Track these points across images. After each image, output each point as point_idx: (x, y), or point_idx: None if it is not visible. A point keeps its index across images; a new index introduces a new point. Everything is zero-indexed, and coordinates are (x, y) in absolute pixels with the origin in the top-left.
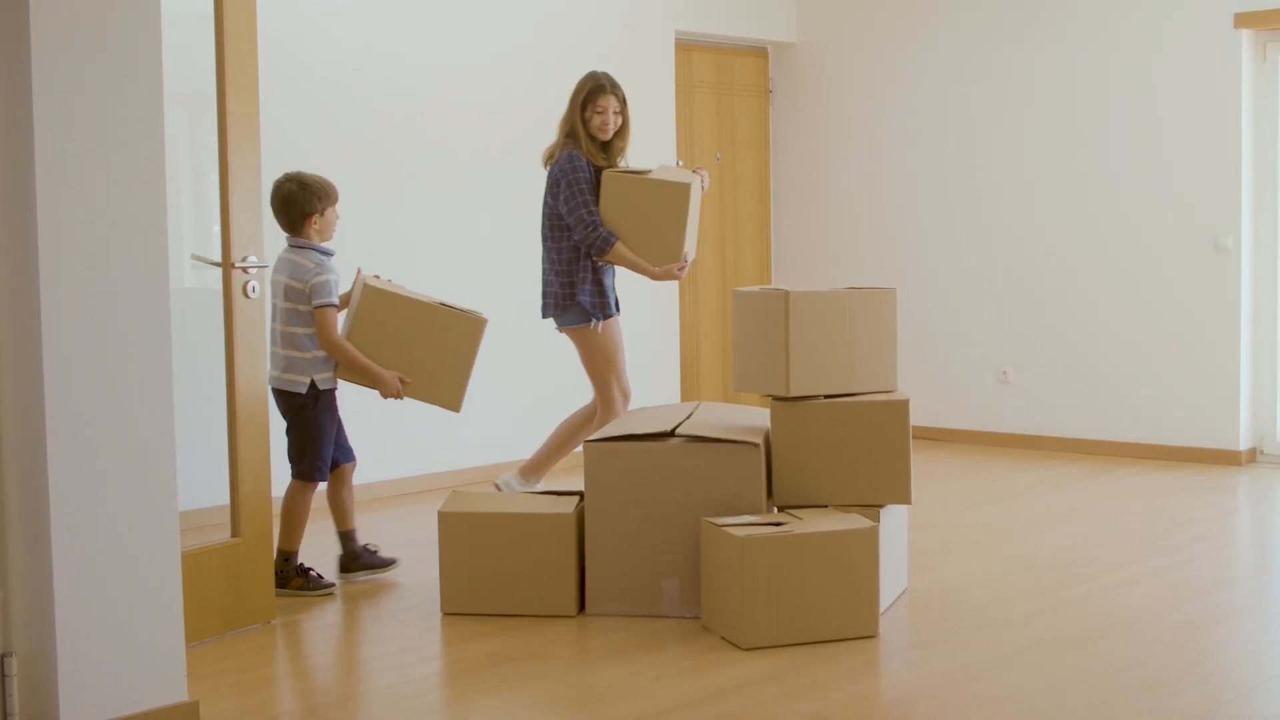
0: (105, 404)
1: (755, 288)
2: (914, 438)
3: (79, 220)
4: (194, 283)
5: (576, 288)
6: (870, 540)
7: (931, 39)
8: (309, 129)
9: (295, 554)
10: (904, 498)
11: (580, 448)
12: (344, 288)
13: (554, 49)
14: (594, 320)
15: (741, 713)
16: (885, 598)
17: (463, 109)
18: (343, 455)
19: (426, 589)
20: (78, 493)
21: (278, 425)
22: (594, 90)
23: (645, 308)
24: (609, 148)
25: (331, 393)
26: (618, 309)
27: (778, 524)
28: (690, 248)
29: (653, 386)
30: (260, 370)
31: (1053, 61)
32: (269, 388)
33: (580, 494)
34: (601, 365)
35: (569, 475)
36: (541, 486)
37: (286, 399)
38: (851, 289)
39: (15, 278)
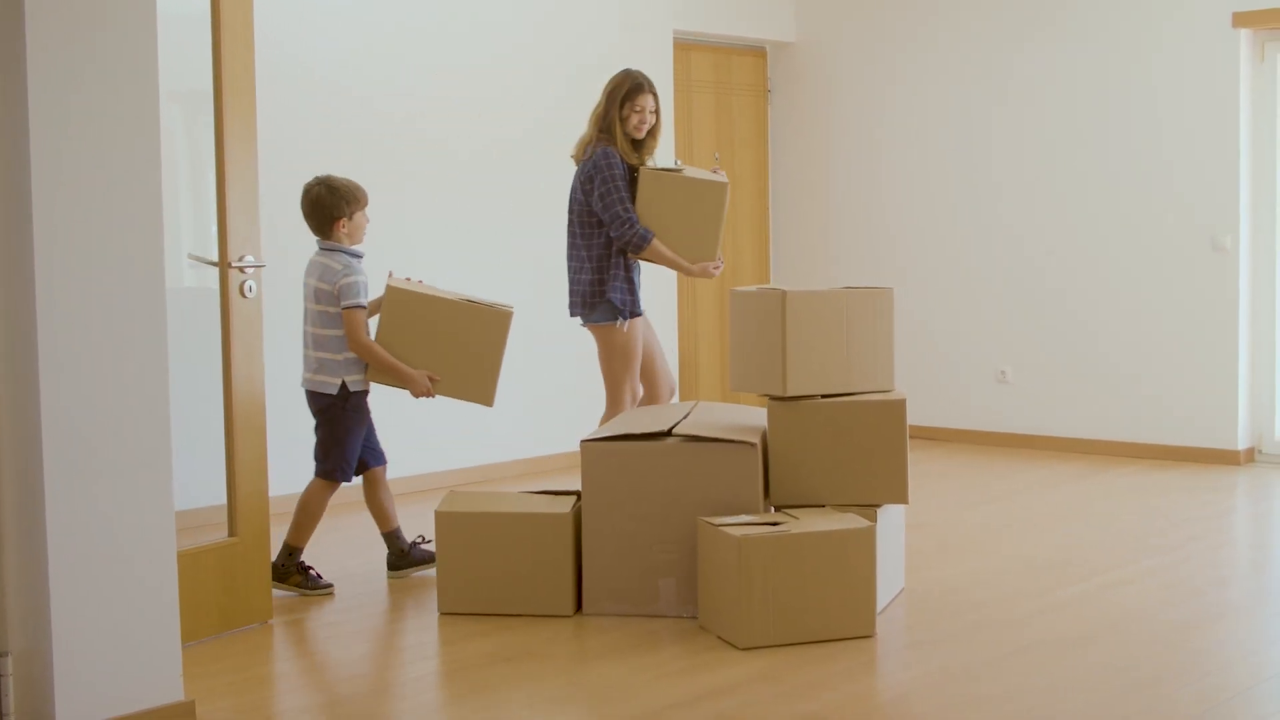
0: (101, 403)
1: (753, 287)
2: (912, 437)
3: (75, 220)
4: (193, 282)
5: (607, 284)
6: (867, 540)
7: (931, 38)
8: (308, 128)
9: (300, 550)
10: (901, 497)
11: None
12: (377, 291)
13: (553, 49)
14: (620, 319)
15: (737, 712)
16: (882, 598)
17: (462, 109)
18: (374, 458)
19: (424, 588)
20: (73, 492)
21: (276, 425)
22: (634, 89)
23: (646, 307)
24: (641, 146)
25: (362, 395)
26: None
27: (774, 524)
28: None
29: None
30: (257, 369)
31: (1052, 61)
32: (303, 389)
33: (577, 494)
34: (619, 365)
35: (567, 475)
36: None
37: (317, 400)
38: (849, 289)
39: (11, 277)
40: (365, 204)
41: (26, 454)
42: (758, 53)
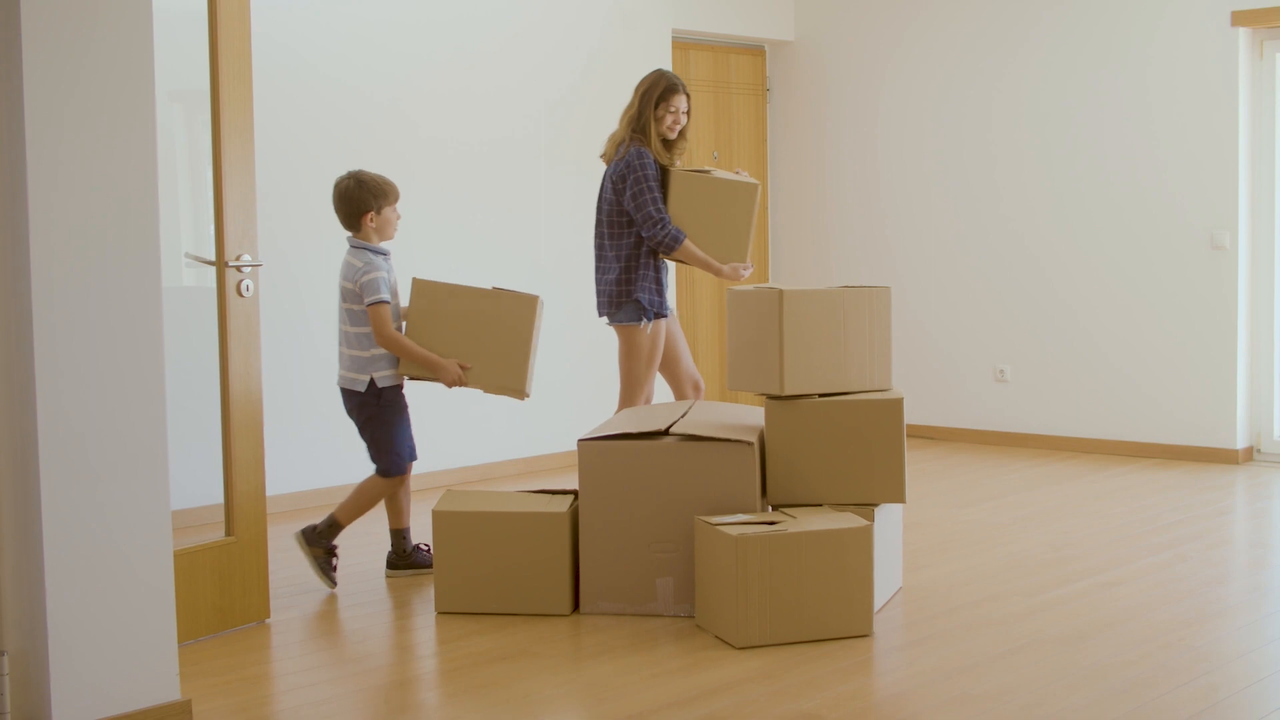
0: (97, 402)
1: (750, 286)
2: (911, 436)
3: (71, 219)
4: (192, 281)
5: (635, 284)
6: (864, 539)
7: (929, 37)
8: (307, 128)
9: (341, 529)
10: (898, 496)
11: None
12: (404, 287)
13: (551, 47)
14: (645, 319)
15: (734, 711)
16: (880, 597)
17: (461, 107)
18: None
19: (421, 588)
20: (70, 491)
21: (273, 424)
22: (668, 89)
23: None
24: (671, 147)
25: (395, 389)
26: (670, 310)
27: (771, 523)
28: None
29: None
30: (254, 369)
31: (1049, 60)
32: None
33: (574, 493)
34: (639, 365)
35: (565, 474)
36: None
37: (350, 398)
38: (846, 288)
39: (7, 276)
40: (395, 200)
41: (23, 453)
42: (756, 52)
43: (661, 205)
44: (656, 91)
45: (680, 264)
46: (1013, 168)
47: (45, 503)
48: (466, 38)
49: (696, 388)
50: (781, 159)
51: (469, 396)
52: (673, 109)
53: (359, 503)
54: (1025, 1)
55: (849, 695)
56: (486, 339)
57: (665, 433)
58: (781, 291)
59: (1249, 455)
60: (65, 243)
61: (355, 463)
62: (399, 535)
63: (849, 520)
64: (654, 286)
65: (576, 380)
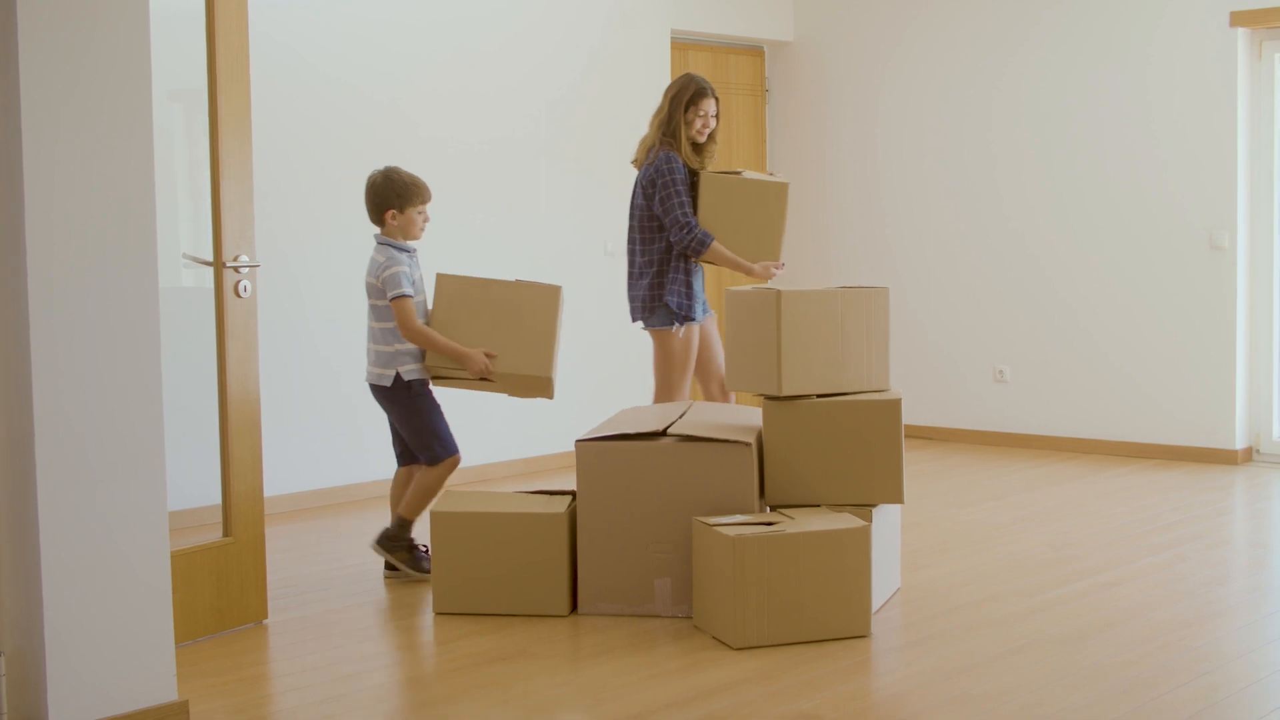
0: (94, 402)
1: (748, 287)
2: (910, 436)
3: (68, 219)
4: (191, 282)
5: (666, 289)
6: (862, 539)
7: (928, 37)
8: (306, 128)
9: (411, 524)
10: (896, 497)
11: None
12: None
13: (550, 47)
14: (677, 324)
15: (731, 712)
16: (878, 597)
17: (459, 106)
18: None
19: (419, 588)
20: (67, 491)
21: (271, 425)
22: (698, 93)
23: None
24: (701, 150)
25: (423, 382)
26: (706, 312)
27: (769, 523)
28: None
29: (648, 385)
30: (252, 369)
31: (1048, 60)
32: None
33: (572, 493)
34: (673, 370)
35: (563, 475)
36: None
37: (379, 393)
38: (844, 288)
39: (4, 276)
40: (421, 202)
41: (20, 453)
42: (755, 52)
43: (689, 209)
44: (686, 95)
45: (712, 266)
46: (1012, 168)
47: (42, 503)
48: (466, 38)
49: (725, 392)
50: (781, 159)
51: (469, 397)
52: (702, 112)
53: (421, 496)
54: (1025, 1)
55: (847, 696)
56: (511, 329)
57: (663, 433)
58: (779, 292)
59: (1248, 456)
60: (63, 243)
61: (355, 463)
62: (402, 522)
63: (847, 521)
64: (685, 290)
65: (575, 380)
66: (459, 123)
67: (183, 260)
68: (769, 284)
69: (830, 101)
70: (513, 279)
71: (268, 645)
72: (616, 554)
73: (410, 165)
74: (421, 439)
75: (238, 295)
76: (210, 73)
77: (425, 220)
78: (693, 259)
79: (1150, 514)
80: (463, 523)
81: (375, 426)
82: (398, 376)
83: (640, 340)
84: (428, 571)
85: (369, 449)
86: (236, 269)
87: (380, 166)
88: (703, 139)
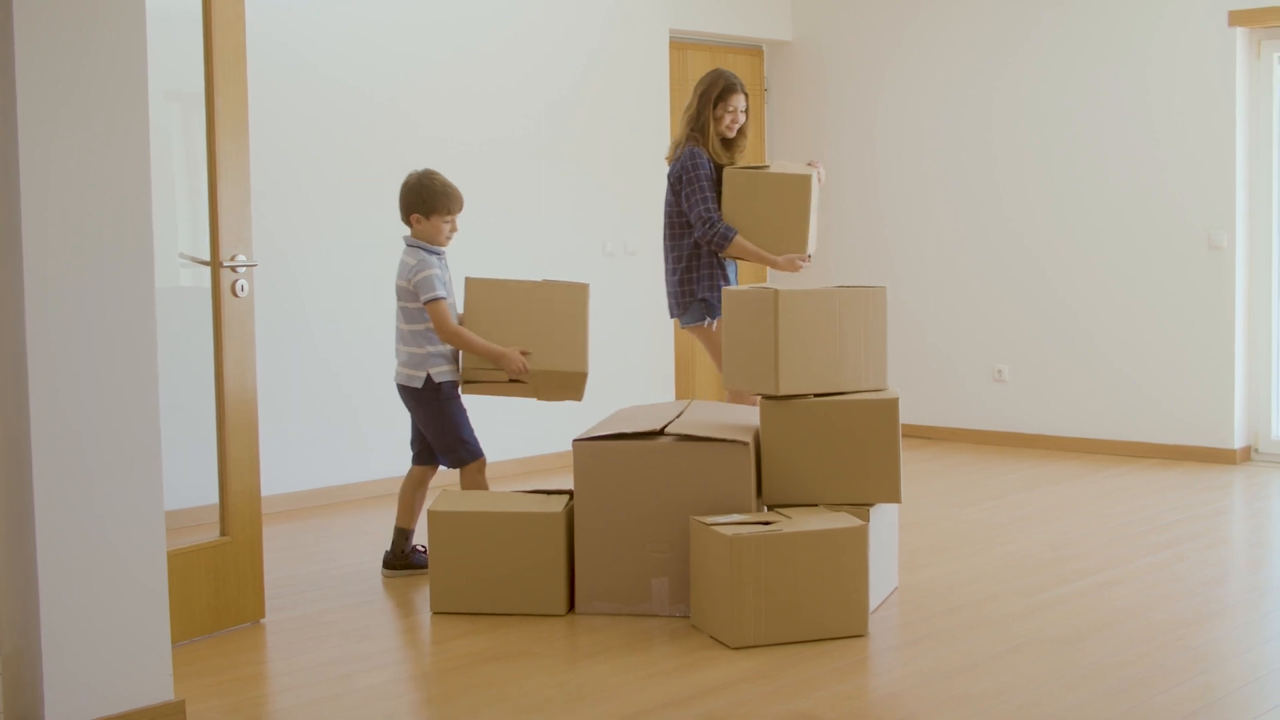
0: (91, 402)
1: (746, 286)
2: (909, 436)
3: (64, 219)
4: (189, 282)
5: (696, 284)
6: (859, 539)
7: (927, 37)
8: (306, 125)
9: (410, 533)
10: (894, 496)
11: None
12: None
13: (549, 47)
14: (710, 319)
15: (729, 711)
16: (875, 597)
17: (458, 106)
18: (436, 458)
19: (416, 588)
20: (63, 491)
21: (272, 425)
22: (727, 89)
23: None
24: (731, 145)
25: (451, 385)
26: None
27: (767, 523)
28: (811, 243)
29: (647, 385)
30: (249, 369)
31: (1047, 59)
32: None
33: (570, 493)
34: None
35: (561, 475)
36: None
37: (408, 394)
38: (841, 288)
39: (0, 276)
40: (449, 212)
41: (16, 453)
42: (754, 52)
43: (712, 204)
44: (715, 91)
45: (740, 260)
46: (1011, 168)
47: (38, 502)
48: (466, 38)
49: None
50: (779, 159)
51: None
52: (731, 108)
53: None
54: (1025, 1)
55: (845, 695)
56: (543, 328)
57: (660, 433)
58: (777, 291)
59: (1247, 455)
60: (59, 242)
61: (353, 463)
62: (402, 534)
63: (844, 520)
64: (714, 285)
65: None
66: (459, 123)
67: (180, 260)
68: (797, 272)
69: (829, 101)
70: (539, 279)
71: (265, 645)
72: (614, 553)
73: (410, 166)
74: (447, 442)
75: (235, 295)
76: (207, 72)
77: (452, 230)
78: (719, 253)
79: (1149, 513)
80: (460, 522)
81: (374, 426)
82: (428, 378)
83: (640, 340)
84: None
85: (368, 449)
86: (233, 268)
87: (420, 168)
88: (732, 134)
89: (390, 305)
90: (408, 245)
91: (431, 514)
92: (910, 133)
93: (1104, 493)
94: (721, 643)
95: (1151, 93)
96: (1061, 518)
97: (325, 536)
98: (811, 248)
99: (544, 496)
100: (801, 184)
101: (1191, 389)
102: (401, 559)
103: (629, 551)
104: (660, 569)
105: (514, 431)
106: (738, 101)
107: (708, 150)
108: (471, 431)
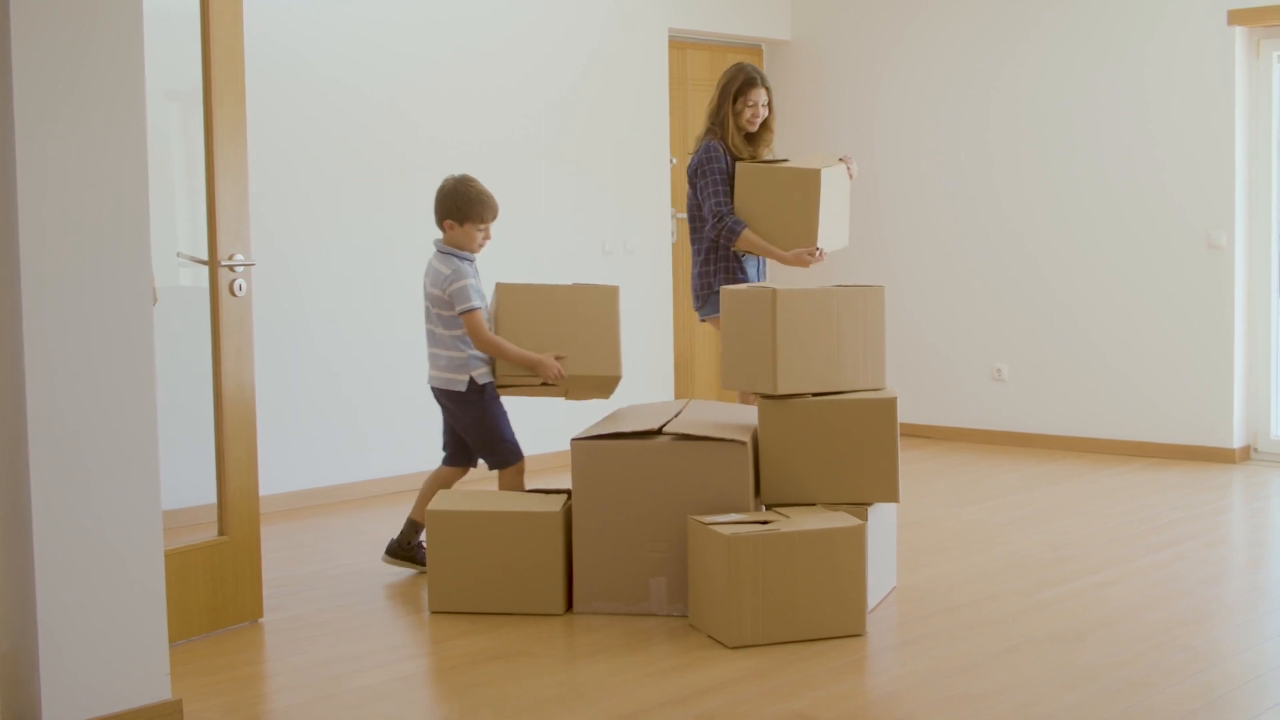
0: (88, 401)
1: (744, 285)
2: (908, 435)
3: (61, 218)
4: (189, 281)
5: (713, 278)
6: (857, 538)
7: (925, 36)
8: (306, 125)
9: (421, 527)
10: (892, 496)
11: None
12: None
13: (548, 46)
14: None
15: (726, 711)
16: (873, 596)
17: (457, 105)
18: (467, 459)
19: (414, 587)
20: (60, 490)
21: (271, 425)
22: (746, 83)
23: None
24: (755, 139)
25: (492, 385)
26: None
27: (765, 522)
28: (842, 237)
29: (646, 384)
30: (247, 368)
31: (1046, 58)
32: (430, 387)
33: (568, 492)
34: None
35: (559, 474)
36: None
37: (448, 397)
38: (839, 287)
39: None
40: (485, 221)
41: (13, 452)
42: (753, 51)
43: (723, 199)
44: (734, 86)
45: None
46: (1010, 167)
47: (35, 501)
48: (466, 38)
49: None
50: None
51: None
52: (751, 102)
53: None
54: (1024, 1)
55: (842, 695)
56: (576, 330)
57: (659, 432)
58: (775, 290)
59: (1246, 454)
60: (56, 241)
61: (352, 462)
62: (412, 526)
63: (842, 520)
64: (730, 279)
65: None
66: (459, 123)
67: (178, 259)
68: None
69: (828, 101)
70: (570, 282)
71: (262, 644)
72: (612, 553)
73: (410, 166)
74: (489, 443)
75: (233, 294)
76: (205, 72)
77: (485, 238)
78: (730, 247)
79: (1148, 513)
80: (458, 521)
81: (374, 426)
82: (472, 381)
83: (639, 340)
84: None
85: (367, 449)
86: (231, 268)
87: (457, 173)
88: (754, 128)
89: (391, 306)
90: (439, 251)
91: (430, 513)
92: (909, 132)
93: (1103, 492)
94: (719, 642)
95: (1150, 92)
96: (1061, 517)
97: (323, 536)
98: (837, 244)
99: (542, 496)
100: (810, 179)
101: (1191, 388)
102: (406, 550)
103: (627, 551)
104: (658, 568)
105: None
106: (758, 95)
107: (728, 144)
108: (512, 432)
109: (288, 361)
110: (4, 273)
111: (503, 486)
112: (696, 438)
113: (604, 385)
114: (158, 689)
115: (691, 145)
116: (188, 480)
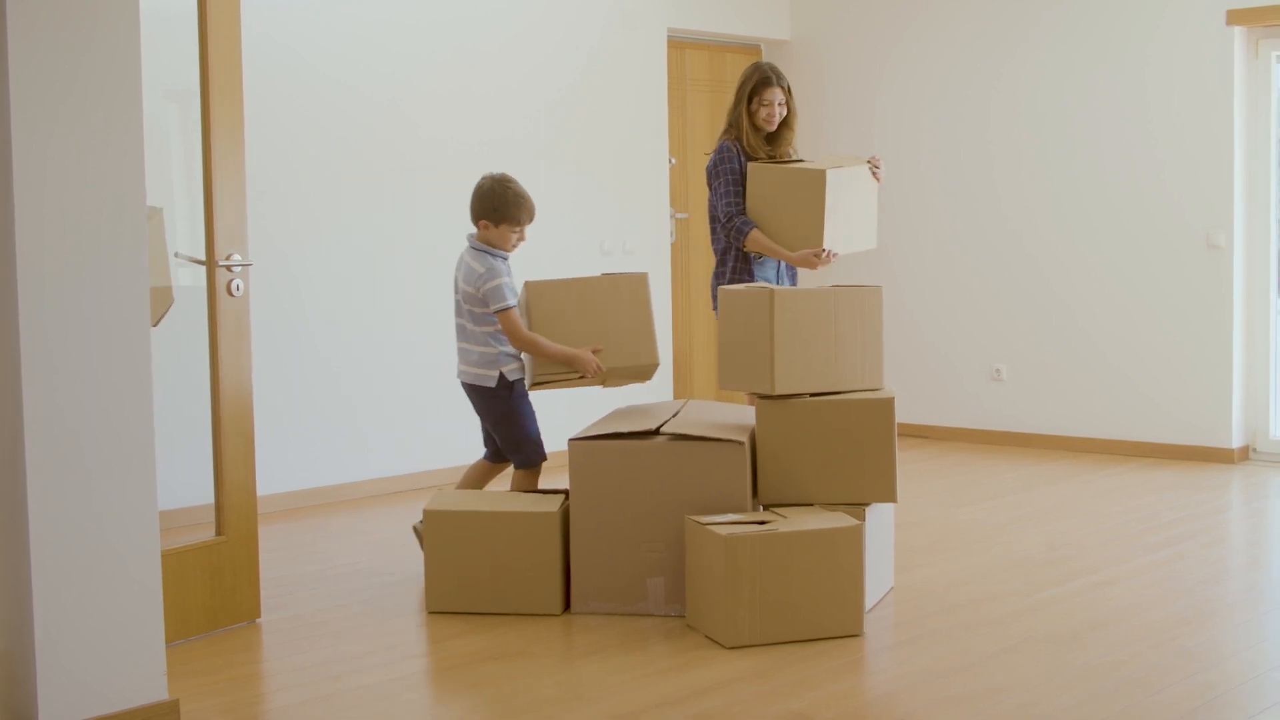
0: (86, 400)
1: (742, 285)
2: (906, 435)
3: (58, 218)
4: (187, 281)
5: (726, 279)
6: (855, 538)
7: (925, 36)
8: (306, 125)
9: None
10: (889, 496)
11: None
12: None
13: (547, 46)
14: None
15: (724, 711)
16: (871, 596)
17: (456, 105)
18: (504, 456)
19: (412, 587)
20: (57, 490)
21: (270, 424)
22: (760, 83)
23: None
24: (775, 139)
25: (522, 382)
26: None
27: (762, 522)
28: (867, 238)
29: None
30: (245, 368)
31: (1045, 58)
32: (460, 382)
33: (565, 492)
34: None
35: (557, 474)
36: None
37: (478, 393)
38: (837, 286)
39: None
40: (518, 223)
41: (10, 451)
42: (752, 51)
43: (733, 200)
44: (749, 85)
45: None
46: (1010, 167)
47: (32, 501)
48: (466, 38)
49: None
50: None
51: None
52: (766, 102)
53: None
54: (1024, 1)
55: (840, 695)
56: (610, 321)
57: (656, 432)
58: (773, 291)
59: (1245, 454)
60: (54, 240)
61: (352, 462)
62: None
63: (840, 520)
64: (742, 279)
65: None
66: (459, 123)
67: (176, 259)
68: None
69: (827, 101)
70: (598, 274)
71: (260, 644)
72: (609, 553)
73: (410, 166)
74: (515, 441)
75: (230, 294)
76: (203, 72)
77: (520, 239)
78: (740, 248)
79: (1147, 513)
80: (456, 521)
81: (374, 426)
82: (502, 376)
83: None
84: None
85: (367, 449)
86: (229, 268)
87: (495, 172)
88: (771, 128)
89: (391, 306)
90: (472, 248)
91: (427, 513)
92: (909, 132)
93: (1102, 492)
94: (717, 642)
95: (1150, 92)
96: (1059, 517)
97: (322, 536)
98: (859, 245)
99: (539, 496)
100: (815, 179)
101: (1190, 388)
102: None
103: (624, 551)
104: (656, 569)
105: None
106: (773, 95)
107: (744, 144)
108: (539, 431)
109: (287, 361)
110: (1, 272)
111: (515, 486)
112: (694, 438)
113: (642, 373)
114: (155, 689)
115: (691, 145)
116: (185, 480)
